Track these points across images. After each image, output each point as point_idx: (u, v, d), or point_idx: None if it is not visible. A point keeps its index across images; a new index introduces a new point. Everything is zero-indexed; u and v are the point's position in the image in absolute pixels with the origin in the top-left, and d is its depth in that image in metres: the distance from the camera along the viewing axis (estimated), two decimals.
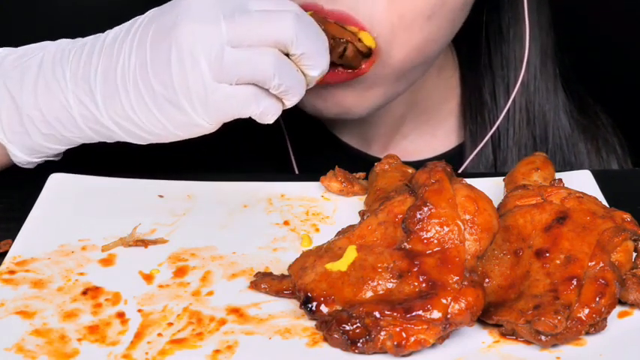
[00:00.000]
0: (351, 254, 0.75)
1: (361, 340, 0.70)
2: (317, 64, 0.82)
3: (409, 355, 0.70)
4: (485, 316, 0.72)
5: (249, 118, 0.82)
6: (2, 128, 0.86)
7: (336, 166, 0.90)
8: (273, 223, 0.85)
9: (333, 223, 0.85)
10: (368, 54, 0.92)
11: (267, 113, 0.81)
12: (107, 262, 0.80)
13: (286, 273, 0.77)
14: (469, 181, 0.77)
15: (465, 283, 0.71)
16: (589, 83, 1.19)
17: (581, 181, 0.88)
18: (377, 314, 0.70)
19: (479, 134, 1.10)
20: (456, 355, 0.71)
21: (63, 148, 0.87)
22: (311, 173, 0.91)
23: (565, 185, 0.81)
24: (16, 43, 0.88)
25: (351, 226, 0.78)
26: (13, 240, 0.81)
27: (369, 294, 0.72)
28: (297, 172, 1.09)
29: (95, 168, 0.90)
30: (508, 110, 1.08)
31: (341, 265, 0.74)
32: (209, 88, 0.78)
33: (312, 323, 0.73)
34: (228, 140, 1.10)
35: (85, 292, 0.76)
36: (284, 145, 1.09)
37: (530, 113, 1.09)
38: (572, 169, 1.10)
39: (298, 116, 1.03)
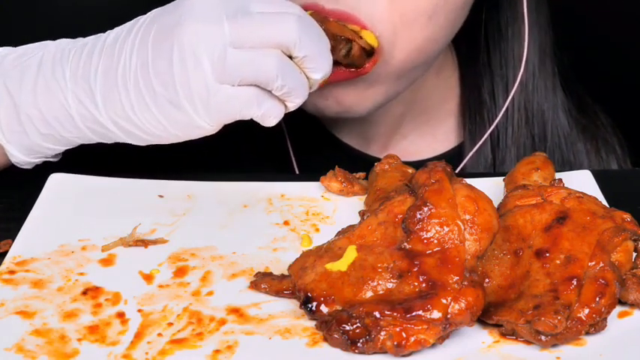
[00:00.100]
0: (351, 254, 0.75)
1: (361, 340, 0.70)
2: (320, 66, 0.82)
3: (409, 355, 0.70)
4: (486, 316, 0.72)
5: (250, 119, 0.82)
6: (0, 127, 0.85)
7: (336, 166, 0.90)
8: (273, 223, 0.85)
9: (333, 223, 0.85)
10: (371, 52, 0.92)
11: (269, 115, 0.81)
12: (107, 262, 0.80)
13: (286, 273, 0.77)
14: (469, 181, 0.77)
15: (465, 283, 0.71)
16: (588, 83, 1.19)
17: (581, 181, 0.88)
18: (377, 314, 0.70)
19: (478, 134, 1.10)
20: (456, 355, 0.71)
21: (61, 148, 0.87)
22: (311, 173, 0.91)
23: (565, 185, 0.81)
24: (16, 43, 0.88)
25: (351, 226, 0.78)
26: (13, 240, 0.81)
27: (369, 294, 0.72)
28: (297, 172, 1.09)
29: (95, 168, 0.90)
30: (507, 109, 1.08)
31: (341, 265, 0.74)
32: (211, 89, 0.78)
33: (312, 323, 0.73)
34: (229, 140, 1.10)
35: (85, 292, 0.76)
36: (284, 145, 1.09)
37: (529, 112, 1.10)
38: (571, 168, 1.10)
39: (298, 116, 1.03)
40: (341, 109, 0.98)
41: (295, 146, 1.09)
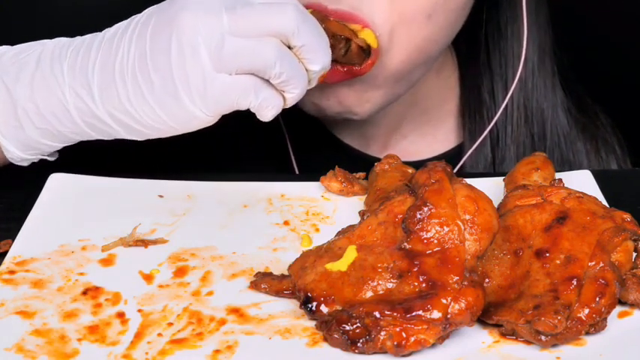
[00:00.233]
0: (351, 254, 0.75)
1: (361, 340, 0.70)
2: (318, 57, 0.81)
3: (409, 355, 0.70)
4: (486, 316, 0.72)
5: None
6: None
7: (336, 166, 0.90)
8: (273, 223, 0.85)
9: (333, 223, 0.85)
10: (368, 51, 0.92)
11: (266, 105, 0.80)
12: (107, 262, 0.80)
13: (286, 273, 0.77)
14: (469, 181, 0.77)
15: (465, 283, 0.71)
16: (588, 83, 1.19)
17: (581, 181, 0.88)
18: (377, 314, 0.70)
19: (478, 133, 1.10)
20: (456, 355, 0.71)
21: (58, 145, 0.86)
22: (311, 173, 0.91)
23: (565, 185, 0.81)
24: (16, 43, 0.88)
25: (351, 226, 0.78)
26: (13, 240, 0.81)
27: (369, 294, 0.72)
28: (297, 172, 1.09)
29: (95, 168, 0.90)
30: (506, 108, 1.09)
31: (341, 265, 0.74)
32: (208, 78, 0.78)
33: (312, 323, 0.73)
34: (229, 141, 1.10)
35: (85, 292, 0.76)
36: (284, 145, 1.09)
37: (529, 111, 1.10)
38: (570, 167, 1.10)
39: (298, 116, 1.03)
40: (342, 109, 0.98)
41: (295, 146, 1.09)
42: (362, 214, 0.82)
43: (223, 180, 0.90)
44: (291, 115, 1.05)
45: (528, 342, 0.71)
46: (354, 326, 0.70)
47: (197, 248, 0.81)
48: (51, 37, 0.87)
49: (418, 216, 0.74)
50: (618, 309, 0.74)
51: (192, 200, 0.88)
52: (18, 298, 0.75)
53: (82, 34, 0.86)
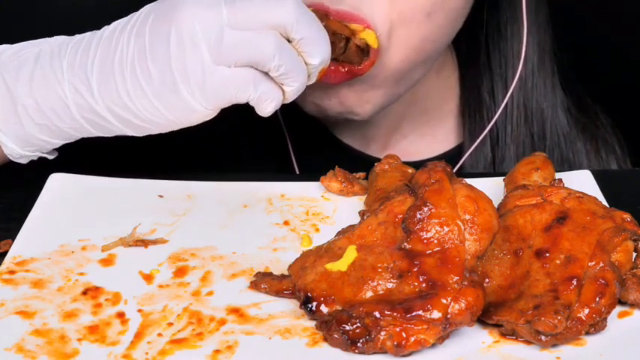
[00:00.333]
0: (351, 254, 0.75)
1: (361, 340, 0.70)
2: (317, 50, 0.81)
3: (409, 355, 0.70)
4: (486, 316, 0.72)
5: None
6: None
7: (336, 166, 0.90)
8: (273, 223, 0.85)
9: (333, 223, 0.85)
10: (366, 51, 0.92)
11: (265, 99, 0.80)
12: (107, 262, 0.80)
13: (286, 273, 0.77)
14: (469, 181, 0.77)
15: (465, 283, 0.71)
16: (588, 83, 1.19)
17: (581, 181, 0.88)
18: (377, 314, 0.70)
19: (477, 133, 1.10)
20: (456, 355, 0.71)
21: (58, 142, 0.86)
22: (311, 173, 0.91)
23: (565, 185, 0.81)
24: (16, 42, 0.88)
25: (351, 226, 0.78)
26: (13, 240, 0.81)
27: (369, 294, 0.72)
28: (297, 172, 1.09)
29: (95, 168, 0.89)
30: (506, 107, 1.09)
31: (341, 265, 0.74)
32: (207, 70, 0.78)
33: (312, 323, 0.73)
34: (229, 140, 1.10)
35: (85, 292, 0.76)
36: (284, 145, 1.09)
37: (528, 110, 1.10)
38: (570, 166, 1.10)
39: (299, 116, 1.03)
40: (343, 110, 0.98)
41: (295, 146, 1.09)
42: (362, 214, 0.82)
43: (223, 180, 0.90)
44: (292, 115, 1.06)
45: (528, 342, 0.71)
46: (354, 326, 0.70)
47: (197, 248, 0.81)
48: (51, 37, 0.87)
49: (418, 216, 0.74)
50: (618, 309, 0.74)
51: (192, 200, 0.88)
52: (18, 298, 0.75)
53: (81, 34, 0.86)
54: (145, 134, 0.84)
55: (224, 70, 0.78)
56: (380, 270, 0.73)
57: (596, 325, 0.71)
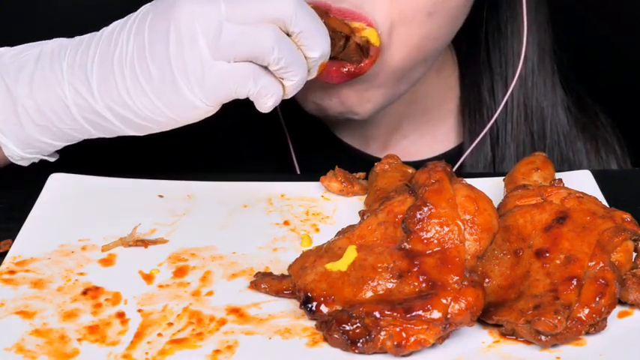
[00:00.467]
0: (351, 254, 0.75)
1: (361, 340, 0.70)
2: (317, 43, 0.81)
3: (409, 355, 0.70)
4: (486, 316, 0.72)
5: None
6: None
7: (336, 166, 0.90)
8: (273, 223, 0.85)
9: (333, 223, 0.85)
10: (366, 49, 0.92)
11: (265, 93, 0.80)
12: (107, 262, 0.80)
13: (286, 273, 0.77)
14: (469, 181, 0.77)
15: (465, 283, 0.71)
16: (588, 83, 1.19)
17: (581, 181, 0.88)
18: (377, 314, 0.70)
19: (477, 132, 1.10)
20: (456, 355, 0.71)
21: (58, 144, 0.86)
22: (311, 173, 0.91)
23: (565, 185, 0.81)
24: (16, 43, 0.88)
25: (351, 226, 0.78)
26: (13, 240, 0.81)
27: (369, 294, 0.72)
28: (298, 172, 1.09)
29: (95, 168, 0.89)
30: (506, 106, 1.09)
31: (341, 265, 0.74)
32: (206, 66, 0.78)
33: (312, 323, 0.73)
34: (229, 140, 1.10)
35: (85, 292, 0.76)
36: (285, 145, 1.09)
37: (528, 109, 1.10)
38: (570, 165, 1.10)
39: (299, 116, 1.03)
40: (344, 110, 0.98)
41: (296, 146, 1.09)
42: (362, 214, 0.82)
43: (223, 180, 0.90)
44: (292, 114, 1.06)
45: (528, 342, 0.71)
46: (354, 326, 0.70)
47: (197, 248, 0.81)
48: (51, 37, 0.87)
49: (418, 216, 0.74)
50: (618, 309, 0.74)
51: (192, 200, 0.88)
52: (18, 298, 0.75)
53: (81, 34, 0.86)
54: (146, 133, 0.84)
55: (223, 65, 0.78)
56: (380, 270, 0.73)
57: (596, 325, 0.71)
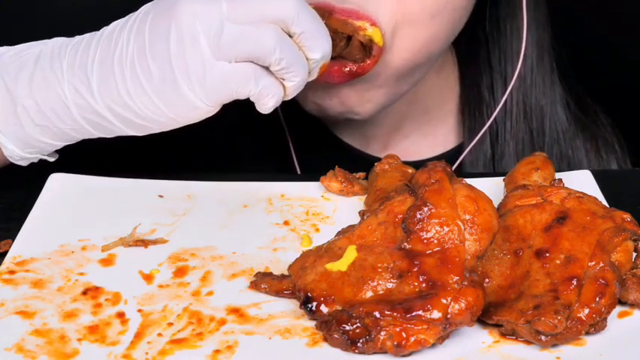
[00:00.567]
0: (351, 254, 0.75)
1: (361, 340, 0.70)
2: (318, 44, 0.81)
3: (409, 355, 0.70)
4: (486, 316, 0.72)
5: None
6: None
7: (336, 166, 0.90)
8: (273, 223, 0.85)
9: (333, 223, 0.85)
10: (369, 49, 0.92)
11: (266, 94, 0.80)
12: (107, 262, 0.80)
13: (286, 273, 0.77)
14: (469, 181, 0.77)
15: (465, 283, 0.71)
16: (587, 84, 1.19)
17: (581, 181, 0.88)
18: (377, 314, 0.70)
19: (477, 130, 1.10)
20: (456, 355, 0.71)
21: (58, 143, 0.86)
22: (311, 173, 0.91)
23: (565, 185, 0.81)
24: (16, 43, 0.88)
25: (351, 226, 0.78)
26: (13, 240, 0.81)
27: (369, 294, 0.72)
28: (299, 172, 1.09)
29: (95, 168, 0.89)
30: (505, 103, 1.09)
31: (341, 265, 0.74)
32: (207, 66, 0.78)
33: (312, 323, 0.73)
34: (229, 140, 1.10)
35: (85, 292, 0.76)
36: (285, 145, 1.09)
37: (527, 106, 1.10)
38: (569, 163, 1.11)
39: (299, 116, 1.03)
40: (344, 110, 0.98)
41: (296, 146, 1.09)
42: (362, 214, 0.82)
43: (223, 180, 0.90)
44: (292, 114, 1.05)
45: (528, 342, 0.71)
46: (354, 326, 0.70)
47: (197, 248, 0.81)
48: (51, 37, 0.87)
49: (418, 216, 0.74)
50: (618, 309, 0.74)
51: (192, 200, 0.88)
52: (18, 298, 0.75)
53: (81, 34, 0.86)
54: (146, 133, 0.83)
55: (224, 65, 0.78)
56: (380, 270, 0.73)
57: (596, 325, 0.71)
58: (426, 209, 0.74)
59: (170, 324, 0.73)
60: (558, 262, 0.73)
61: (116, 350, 0.70)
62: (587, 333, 0.72)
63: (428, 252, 0.73)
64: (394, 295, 0.72)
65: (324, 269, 0.74)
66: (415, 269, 0.72)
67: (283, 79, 0.80)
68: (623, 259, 0.75)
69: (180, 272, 0.79)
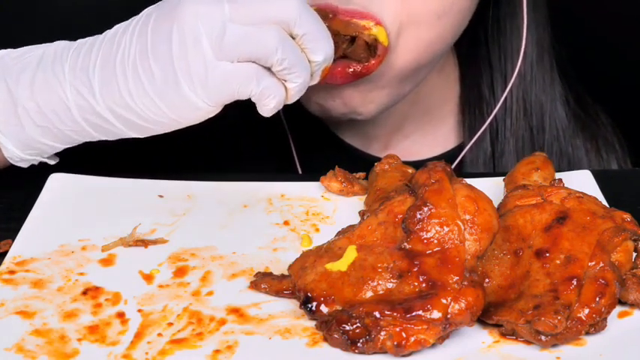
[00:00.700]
0: (351, 254, 0.75)
1: (361, 340, 0.70)
2: (320, 46, 0.81)
3: (409, 355, 0.70)
4: (486, 316, 0.72)
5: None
6: None
7: (336, 166, 0.90)
8: (273, 223, 0.85)
9: (333, 223, 0.85)
10: (373, 48, 0.92)
11: (267, 94, 0.79)
12: (107, 262, 0.80)
13: (286, 273, 0.77)
14: (469, 181, 0.77)
15: (465, 283, 0.71)
16: (587, 83, 1.19)
17: (581, 181, 0.88)
18: (377, 314, 0.70)
19: (477, 128, 1.10)
20: (456, 355, 0.71)
21: (59, 145, 0.86)
22: (313, 173, 0.91)
23: (565, 185, 0.81)
24: (16, 43, 0.88)
25: (351, 226, 0.78)
26: (13, 240, 0.81)
27: (369, 294, 0.72)
28: (300, 171, 1.09)
29: (95, 168, 0.89)
30: (505, 101, 1.09)
31: (341, 265, 0.74)
32: (209, 66, 0.78)
33: (312, 323, 0.73)
34: (229, 140, 1.10)
35: (85, 292, 0.76)
36: (286, 145, 1.09)
37: (527, 104, 1.10)
38: (569, 160, 1.11)
39: (300, 116, 1.03)
40: (347, 110, 0.98)
41: (297, 146, 1.09)
42: (362, 214, 0.82)
43: (223, 180, 0.90)
44: (293, 114, 1.06)
45: (528, 342, 0.72)
46: (354, 326, 0.70)
47: (197, 248, 0.81)
48: (51, 37, 0.87)
49: (418, 216, 0.74)
50: (618, 309, 0.74)
51: (192, 200, 0.88)
52: (18, 298, 0.75)
53: (81, 34, 0.86)
54: (148, 135, 0.83)
55: (226, 66, 0.78)
56: (380, 270, 0.73)
57: (596, 325, 0.71)
58: (426, 209, 0.74)
59: (170, 324, 0.73)
60: (558, 262, 0.73)
61: (116, 350, 0.70)
62: (587, 333, 0.72)
63: (428, 252, 0.73)
64: (394, 295, 0.72)
65: (324, 269, 0.74)
66: (415, 269, 0.72)
67: (285, 81, 0.80)
68: (623, 259, 0.75)
69: (180, 272, 0.79)
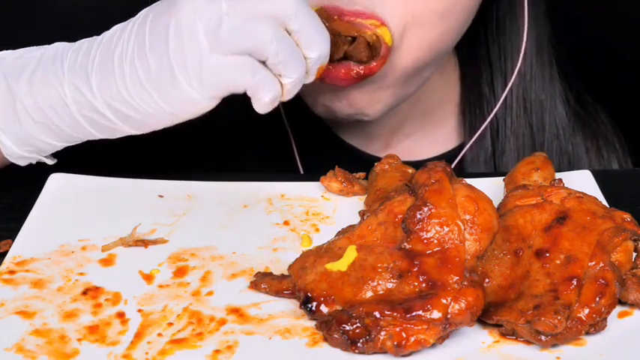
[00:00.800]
0: (351, 254, 0.75)
1: (361, 340, 0.70)
2: (316, 42, 0.81)
3: (409, 355, 0.70)
4: (486, 316, 0.72)
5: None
6: None
7: (336, 166, 0.90)
8: (273, 223, 0.85)
9: (333, 223, 0.85)
10: (377, 48, 0.92)
11: (262, 87, 0.79)
12: (107, 262, 0.80)
13: (286, 273, 0.77)
14: (469, 181, 0.77)
15: (465, 283, 0.71)
16: (586, 83, 1.19)
17: (581, 181, 0.88)
18: (377, 314, 0.70)
19: (477, 127, 1.10)
20: (456, 355, 0.71)
21: (56, 143, 0.86)
22: (312, 173, 0.91)
23: (565, 185, 0.81)
24: (16, 43, 0.88)
25: (351, 226, 0.78)
26: (13, 240, 0.81)
27: (369, 294, 0.72)
28: (301, 171, 1.09)
29: (95, 168, 0.90)
30: (505, 99, 1.09)
31: (341, 265, 0.74)
32: (204, 58, 0.78)
33: (312, 323, 0.73)
34: (229, 140, 1.10)
35: (85, 292, 0.76)
36: (286, 145, 1.09)
37: (527, 102, 1.10)
38: (569, 159, 1.11)
39: (301, 116, 1.03)
40: (353, 111, 0.98)
41: (298, 146, 1.09)
42: (362, 214, 0.82)
43: (223, 180, 0.91)
44: (294, 115, 1.06)
45: (528, 342, 0.72)
46: (354, 326, 0.70)
47: (197, 248, 0.81)
48: (51, 37, 0.87)
49: (418, 216, 0.74)
50: (618, 309, 0.74)
51: (192, 200, 0.88)
52: (18, 298, 0.75)
53: (81, 34, 0.86)
54: (145, 131, 0.83)
55: (221, 58, 0.78)
56: (380, 270, 0.73)
57: (596, 325, 0.71)
58: (426, 209, 0.74)
59: (170, 324, 0.73)
60: (558, 262, 0.73)
61: (116, 350, 0.70)
62: (587, 333, 0.72)
63: (428, 252, 0.73)
64: (394, 295, 0.72)
65: (324, 269, 0.74)
66: (415, 269, 0.72)
67: (280, 75, 0.80)
68: (623, 259, 0.75)
69: (180, 272, 0.79)
